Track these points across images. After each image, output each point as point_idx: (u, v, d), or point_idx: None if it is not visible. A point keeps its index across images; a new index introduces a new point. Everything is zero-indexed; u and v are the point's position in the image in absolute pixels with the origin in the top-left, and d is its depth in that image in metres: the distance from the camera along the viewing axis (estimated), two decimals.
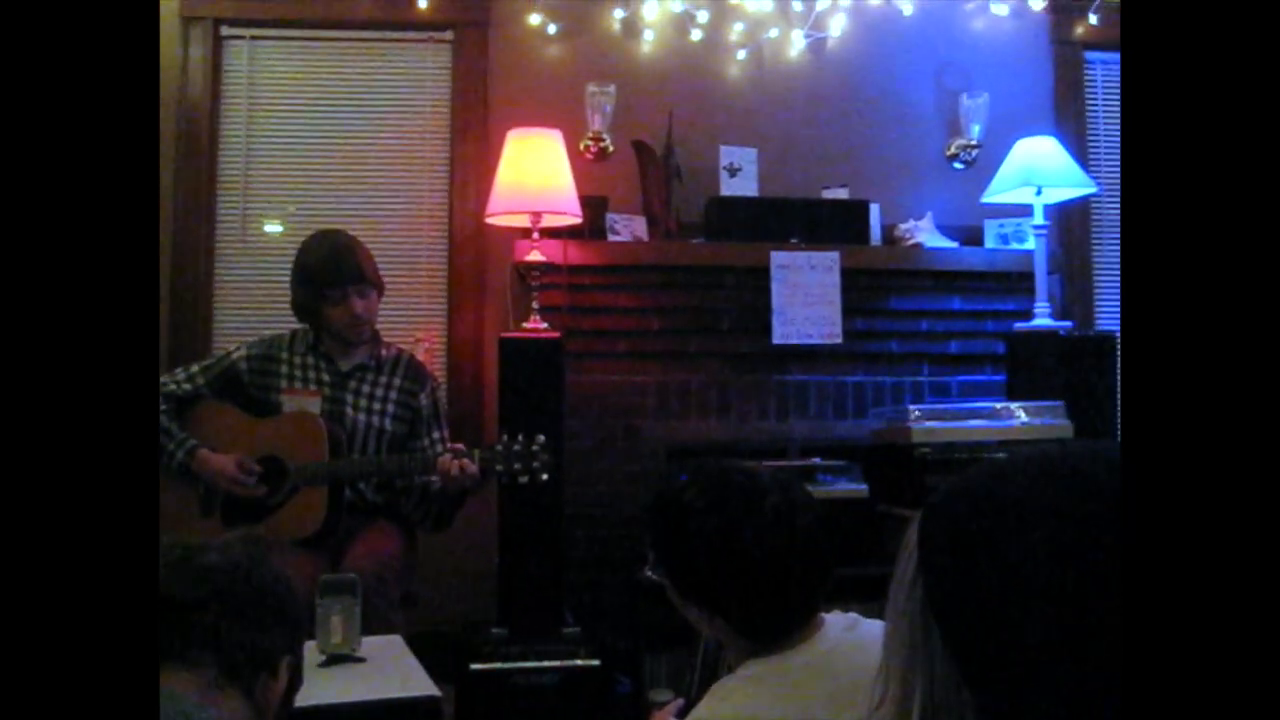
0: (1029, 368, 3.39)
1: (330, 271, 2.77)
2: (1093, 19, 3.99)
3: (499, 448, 2.65)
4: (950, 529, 0.70)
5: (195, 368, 2.85)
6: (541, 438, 2.66)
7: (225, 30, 3.83)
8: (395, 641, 2.25)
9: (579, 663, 2.88)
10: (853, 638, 1.41)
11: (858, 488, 3.24)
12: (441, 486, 2.69)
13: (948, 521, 0.70)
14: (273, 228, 3.81)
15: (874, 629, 1.40)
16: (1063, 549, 0.64)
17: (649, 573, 1.56)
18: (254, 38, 3.84)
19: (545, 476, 2.65)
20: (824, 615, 1.45)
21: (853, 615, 1.47)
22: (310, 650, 1.88)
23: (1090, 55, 4.08)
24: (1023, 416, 3.12)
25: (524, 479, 2.64)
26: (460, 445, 2.71)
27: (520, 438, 2.65)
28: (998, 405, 3.17)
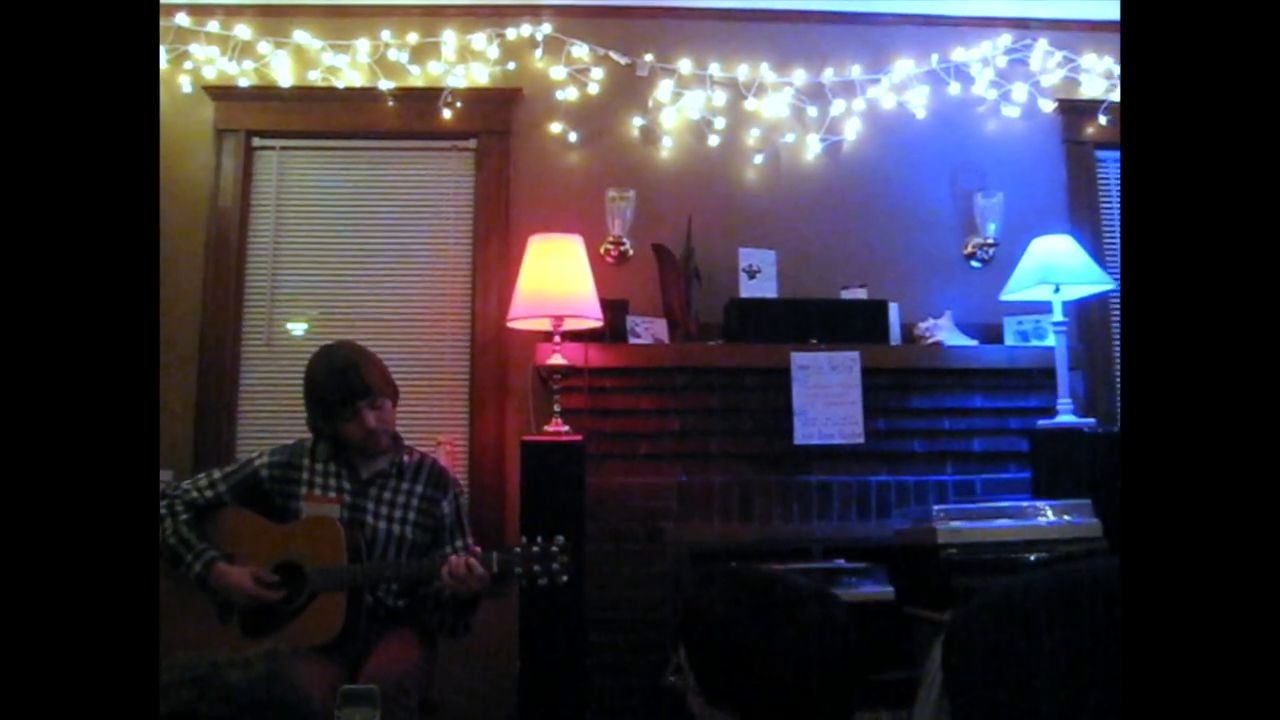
0: (1054, 465, 3.35)
1: (337, 390, 2.76)
2: (1102, 119, 4.06)
3: (518, 550, 2.63)
4: (974, 656, 0.69)
5: (217, 474, 2.86)
6: (561, 539, 2.63)
7: (256, 141, 3.95)
8: None
9: None
10: None
11: (883, 590, 3.18)
12: (451, 590, 2.65)
13: (970, 648, 0.70)
14: (297, 332, 3.86)
15: None
16: (1084, 680, 0.63)
17: (670, 678, 1.53)
18: (283, 148, 3.96)
19: (565, 579, 2.62)
20: None
21: None
22: None
23: (1101, 154, 4.13)
24: (1050, 515, 3.07)
25: (543, 581, 2.60)
26: (478, 549, 2.69)
27: (539, 539, 2.63)
28: (1024, 504, 3.12)
